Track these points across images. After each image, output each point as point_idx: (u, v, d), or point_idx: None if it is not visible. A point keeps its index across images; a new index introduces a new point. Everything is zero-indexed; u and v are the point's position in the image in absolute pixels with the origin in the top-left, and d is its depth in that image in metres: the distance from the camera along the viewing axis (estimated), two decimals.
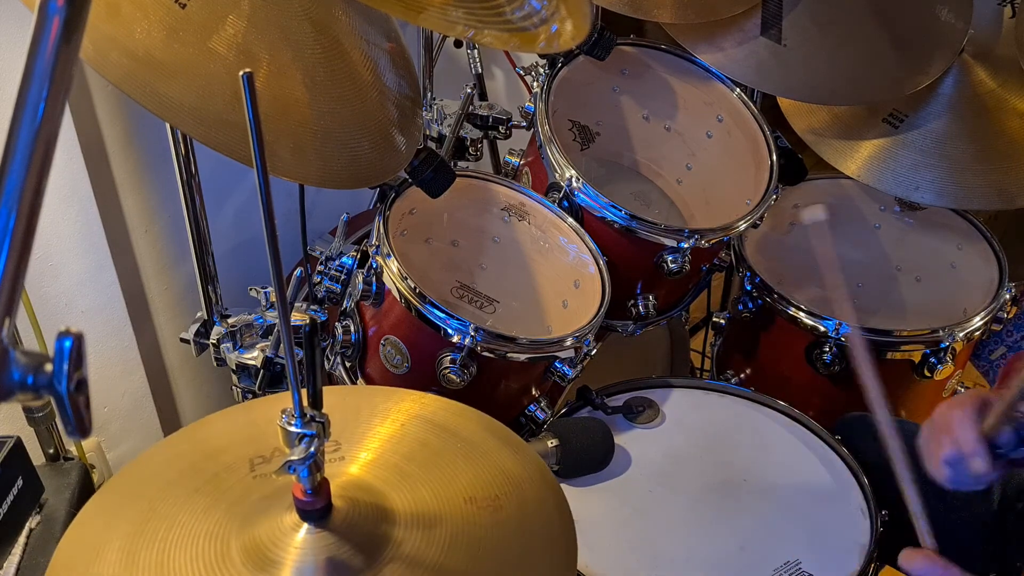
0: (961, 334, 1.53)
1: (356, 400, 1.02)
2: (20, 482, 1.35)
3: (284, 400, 1.01)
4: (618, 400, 1.44)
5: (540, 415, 1.37)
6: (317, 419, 0.77)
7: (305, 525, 0.81)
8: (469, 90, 1.76)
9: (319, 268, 1.36)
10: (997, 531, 1.28)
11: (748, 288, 1.66)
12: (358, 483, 0.88)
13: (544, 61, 1.56)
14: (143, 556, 0.81)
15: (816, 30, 1.58)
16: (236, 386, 1.52)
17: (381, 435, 0.95)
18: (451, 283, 1.52)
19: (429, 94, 1.84)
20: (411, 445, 0.93)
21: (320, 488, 0.80)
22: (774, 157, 1.56)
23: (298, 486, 0.79)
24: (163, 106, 1.03)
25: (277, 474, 0.77)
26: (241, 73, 0.61)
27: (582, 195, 1.42)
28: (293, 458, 0.76)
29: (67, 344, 0.50)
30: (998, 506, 1.28)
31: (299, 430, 0.76)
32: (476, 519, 0.86)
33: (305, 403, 0.77)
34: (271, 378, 1.49)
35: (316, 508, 0.81)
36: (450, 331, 1.23)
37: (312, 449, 0.76)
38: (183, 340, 1.56)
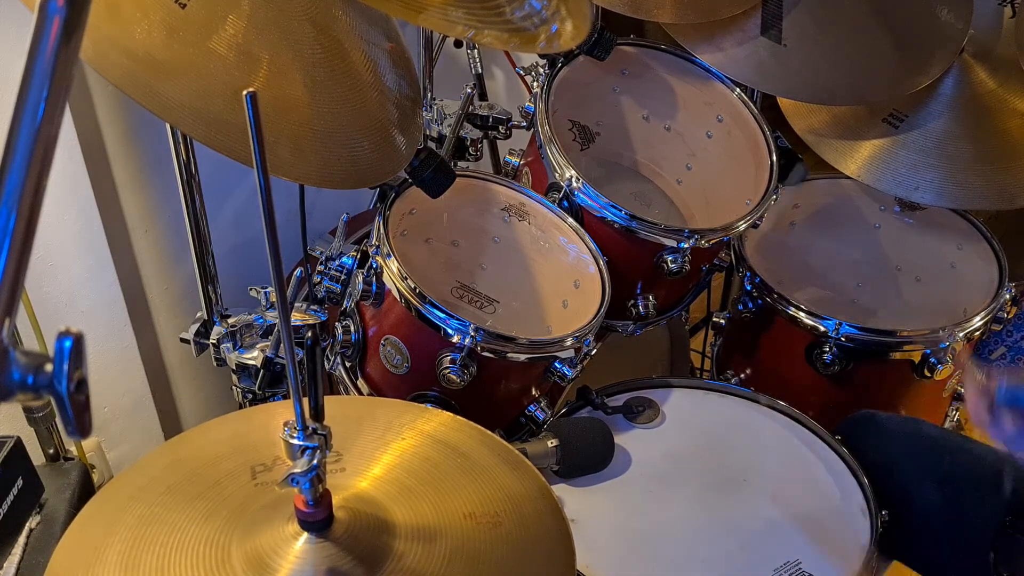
0: (961, 334, 1.53)
1: (357, 411, 1.02)
2: (20, 482, 1.35)
3: (284, 407, 1.02)
4: (618, 400, 1.43)
5: (540, 415, 1.37)
6: (319, 432, 0.77)
7: (306, 535, 0.81)
8: (469, 90, 1.75)
9: (319, 268, 1.36)
10: (1008, 534, 1.27)
11: (748, 288, 1.66)
12: (359, 495, 0.88)
13: (544, 61, 1.56)
14: (143, 560, 0.81)
15: (816, 30, 1.58)
16: (236, 386, 1.52)
17: (382, 448, 0.95)
18: (451, 283, 1.52)
19: (429, 94, 1.84)
20: (412, 458, 0.94)
21: (322, 499, 0.80)
22: (774, 157, 1.56)
23: (300, 497, 0.79)
24: (163, 106, 1.03)
25: (280, 486, 0.77)
26: (245, 93, 0.61)
27: (582, 195, 1.42)
28: (296, 471, 0.76)
29: (67, 344, 0.50)
30: (1009, 507, 1.27)
31: (301, 443, 0.76)
32: (475, 535, 0.86)
33: (307, 415, 0.77)
34: (271, 378, 1.49)
35: (318, 519, 0.81)
36: (450, 331, 1.23)
37: (315, 462, 0.76)
38: (183, 340, 1.56)
